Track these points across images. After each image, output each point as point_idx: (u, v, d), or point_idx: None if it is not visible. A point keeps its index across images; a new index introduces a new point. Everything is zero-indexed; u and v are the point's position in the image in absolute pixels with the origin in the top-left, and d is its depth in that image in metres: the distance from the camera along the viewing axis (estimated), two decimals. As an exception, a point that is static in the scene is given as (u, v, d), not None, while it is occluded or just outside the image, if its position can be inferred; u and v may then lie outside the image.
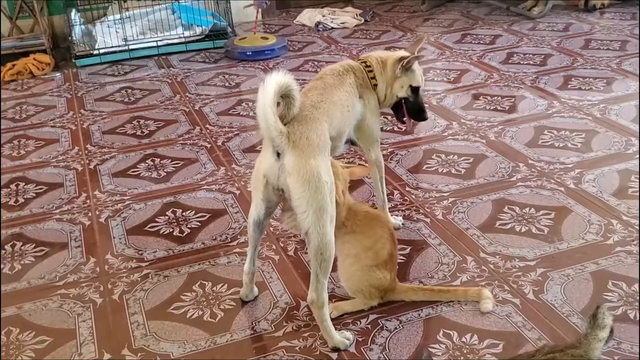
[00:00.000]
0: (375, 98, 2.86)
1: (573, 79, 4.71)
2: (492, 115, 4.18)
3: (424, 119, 3.02)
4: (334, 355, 2.34)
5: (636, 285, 2.60)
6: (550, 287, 2.62)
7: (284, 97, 2.23)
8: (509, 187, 3.35)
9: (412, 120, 3.03)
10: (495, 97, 4.46)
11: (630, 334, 2.36)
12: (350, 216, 2.51)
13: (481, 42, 5.71)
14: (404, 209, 3.21)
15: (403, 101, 2.92)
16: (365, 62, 2.85)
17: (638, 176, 3.35)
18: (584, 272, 2.70)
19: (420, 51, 2.95)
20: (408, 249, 2.90)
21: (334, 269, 2.46)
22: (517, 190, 3.32)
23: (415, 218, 3.14)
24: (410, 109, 2.94)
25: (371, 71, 2.83)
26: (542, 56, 5.24)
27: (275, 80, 2.13)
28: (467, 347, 2.35)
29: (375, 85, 2.84)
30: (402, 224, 3.10)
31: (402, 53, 2.92)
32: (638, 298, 2.53)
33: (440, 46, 5.64)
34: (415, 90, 2.89)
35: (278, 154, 2.25)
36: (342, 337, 2.38)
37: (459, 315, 2.50)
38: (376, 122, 2.88)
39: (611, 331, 1.76)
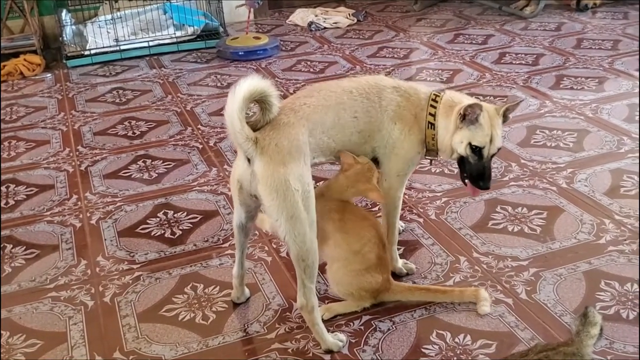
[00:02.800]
0: (420, 137, 2.48)
1: (565, 79, 4.72)
2: (485, 115, 4.17)
3: (483, 188, 2.49)
4: (327, 357, 2.33)
5: (629, 285, 2.60)
6: (542, 287, 2.61)
7: (259, 102, 2.19)
8: (501, 186, 3.35)
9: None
10: (488, 97, 4.46)
11: (623, 334, 2.36)
12: (347, 210, 2.50)
13: (473, 42, 5.71)
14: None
15: (464, 160, 2.47)
16: (437, 96, 2.49)
17: (638, 176, 3.35)
18: (576, 272, 2.70)
19: (511, 111, 2.47)
20: (401, 249, 2.89)
21: (325, 271, 2.45)
22: (510, 190, 3.32)
23: (408, 218, 3.13)
24: (469, 171, 2.48)
25: (434, 107, 2.46)
26: (534, 56, 5.24)
27: (245, 86, 2.10)
28: (460, 347, 2.34)
29: (431, 125, 2.45)
30: (403, 229, 3.03)
31: (479, 102, 2.44)
32: (638, 298, 2.52)
33: (433, 46, 5.64)
34: (476, 150, 2.42)
35: (249, 160, 2.22)
36: (335, 339, 2.37)
37: (452, 315, 2.50)
38: (405, 162, 2.51)
39: (601, 330, 1.77)
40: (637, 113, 4.08)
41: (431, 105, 2.46)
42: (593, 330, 1.74)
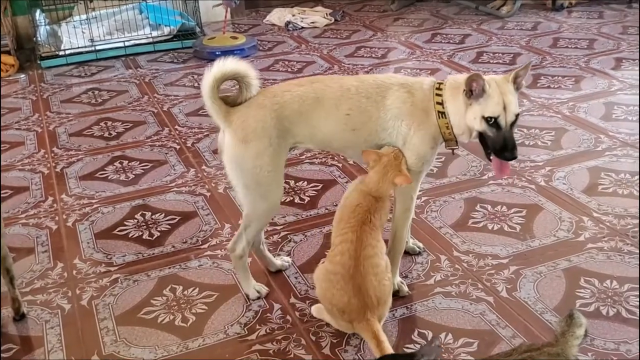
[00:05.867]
0: (431, 132, 2.40)
1: (542, 78, 4.74)
2: (463, 114, 4.18)
3: (510, 158, 2.37)
4: (308, 357, 2.32)
5: (608, 282, 2.62)
6: (523, 285, 2.62)
7: (237, 81, 2.39)
8: (480, 185, 3.36)
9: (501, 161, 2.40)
10: (466, 96, 4.46)
11: (603, 331, 2.37)
12: (370, 206, 2.39)
13: (451, 41, 5.73)
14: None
15: (483, 136, 2.38)
16: (440, 84, 2.43)
17: (638, 177, 3.39)
18: (556, 270, 2.71)
19: (522, 76, 2.35)
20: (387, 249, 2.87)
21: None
22: (489, 189, 3.33)
23: (388, 217, 3.12)
24: (491, 145, 2.37)
25: (439, 95, 2.40)
26: (512, 55, 5.27)
27: (217, 67, 2.33)
28: (442, 346, 2.33)
29: (441, 114, 2.38)
30: (420, 250, 2.87)
31: (478, 73, 2.36)
32: (638, 299, 2.55)
33: (411, 45, 5.64)
34: (492, 122, 2.32)
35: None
36: (255, 289, 2.62)
37: (434, 314, 2.49)
38: (417, 157, 2.42)
39: (585, 332, 1.76)
40: (616, 111, 4.12)
41: (436, 94, 2.39)
42: (578, 330, 1.73)
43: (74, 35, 5.58)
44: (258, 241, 2.70)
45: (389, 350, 2.17)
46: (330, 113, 2.42)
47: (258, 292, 2.63)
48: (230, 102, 2.43)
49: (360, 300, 2.26)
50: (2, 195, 3.47)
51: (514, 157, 2.37)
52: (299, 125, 2.42)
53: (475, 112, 2.33)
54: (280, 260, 2.82)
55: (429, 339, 2.35)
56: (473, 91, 2.31)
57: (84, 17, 5.86)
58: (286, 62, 5.34)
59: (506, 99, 2.31)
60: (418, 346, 2.33)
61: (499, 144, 2.34)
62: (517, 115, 2.35)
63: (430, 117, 2.40)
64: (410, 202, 2.53)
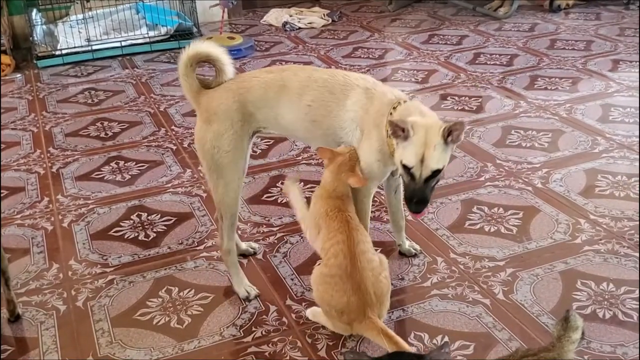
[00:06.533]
0: (377, 146, 2.34)
1: (539, 79, 4.74)
2: (460, 115, 4.18)
3: (413, 210, 2.29)
4: (304, 360, 2.32)
5: (605, 284, 2.61)
6: (519, 287, 2.61)
7: (212, 64, 2.48)
8: (477, 187, 3.35)
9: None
10: (463, 98, 4.47)
11: (600, 333, 2.37)
12: (338, 207, 2.39)
13: (448, 42, 5.72)
14: (373, 209, 3.17)
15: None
16: (399, 104, 2.34)
17: (638, 179, 3.39)
18: (553, 272, 2.70)
19: (457, 131, 2.19)
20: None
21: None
22: (486, 190, 3.32)
23: (385, 219, 3.12)
24: (404, 190, 2.33)
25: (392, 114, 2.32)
26: (509, 56, 5.27)
27: (194, 46, 2.44)
28: (451, 352, 2.32)
29: (389, 133, 2.28)
30: (417, 252, 2.85)
31: (417, 118, 2.24)
32: (639, 301, 2.55)
33: (408, 46, 5.64)
34: (407, 170, 2.24)
35: None
36: (245, 289, 2.62)
37: (430, 317, 2.49)
38: (366, 164, 2.39)
39: (582, 334, 1.75)
40: (613, 113, 4.12)
41: (391, 113, 2.31)
42: (574, 335, 1.72)
43: (71, 35, 5.56)
44: None
45: (403, 343, 2.16)
46: (293, 102, 2.45)
47: (247, 292, 2.63)
48: (206, 86, 2.53)
49: (359, 299, 2.25)
50: (0, 195, 3.47)
51: (416, 212, 2.29)
52: (263, 111, 2.47)
53: (398, 154, 2.25)
54: (245, 245, 2.89)
55: (440, 343, 2.34)
56: (394, 132, 2.22)
57: (80, 16, 5.83)
58: (283, 63, 5.33)
59: (427, 152, 2.19)
60: (414, 349, 2.33)
61: (408, 192, 2.28)
62: (436, 171, 2.23)
63: (380, 131, 2.33)
64: (360, 205, 2.48)
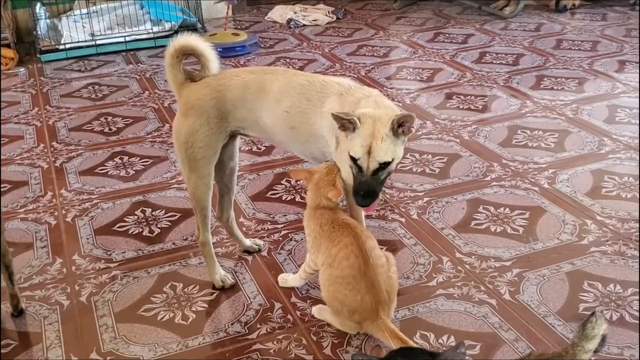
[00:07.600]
0: (347, 146, 2.25)
1: (545, 79, 4.72)
2: (466, 115, 4.17)
3: (359, 203, 2.25)
4: (309, 358, 2.30)
5: (612, 286, 2.60)
6: (526, 288, 2.60)
7: (197, 58, 2.48)
8: (483, 186, 3.34)
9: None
10: (469, 97, 4.45)
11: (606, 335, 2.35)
12: (330, 217, 2.39)
13: (453, 41, 5.70)
14: (378, 208, 3.17)
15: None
16: (366, 97, 2.31)
17: (639, 178, 3.37)
18: (559, 273, 2.69)
19: (406, 122, 2.17)
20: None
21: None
22: (492, 190, 3.30)
23: (390, 218, 3.10)
24: (353, 183, 2.26)
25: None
26: (515, 56, 5.25)
27: (181, 38, 2.44)
28: (444, 348, 2.31)
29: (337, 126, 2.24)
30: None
31: (366, 110, 2.21)
32: (639, 302, 2.53)
33: (413, 45, 5.62)
34: (354, 162, 2.21)
35: None
36: (220, 278, 2.64)
37: (436, 316, 2.47)
38: (347, 172, 2.30)
39: (603, 338, 1.69)
40: (619, 114, 4.10)
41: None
42: (588, 344, 1.64)
43: (74, 30, 5.55)
44: (227, 217, 2.81)
45: (412, 344, 2.15)
46: (271, 106, 2.41)
47: (222, 282, 2.65)
48: (192, 79, 2.52)
49: (373, 297, 2.24)
50: (1, 190, 3.44)
51: (363, 205, 2.25)
52: (240, 111, 2.45)
53: (346, 145, 2.21)
54: (250, 241, 2.88)
55: (445, 342, 2.33)
56: (345, 126, 2.18)
57: (84, 11, 5.84)
58: (287, 60, 5.31)
59: (374, 143, 2.15)
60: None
61: (355, 185, 2.23)
62: (384, 164, 2.19)
63: (343, 136, 2.25)
64: (354, 208, 2.44)
